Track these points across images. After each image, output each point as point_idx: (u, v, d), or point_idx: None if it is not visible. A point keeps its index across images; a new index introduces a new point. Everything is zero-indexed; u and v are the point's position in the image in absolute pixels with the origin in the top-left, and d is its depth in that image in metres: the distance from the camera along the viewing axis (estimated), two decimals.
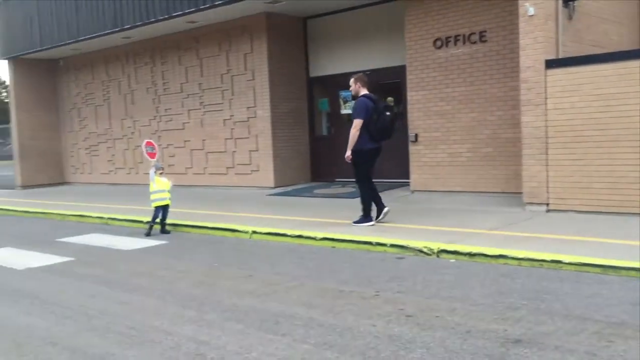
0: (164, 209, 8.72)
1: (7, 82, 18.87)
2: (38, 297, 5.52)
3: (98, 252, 7.71)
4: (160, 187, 8.74)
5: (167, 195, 8.78)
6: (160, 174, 8.86)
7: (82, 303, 5.24)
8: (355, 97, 8.08)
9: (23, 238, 9.13)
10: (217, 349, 3.95)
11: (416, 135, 10.65)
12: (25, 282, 6.19)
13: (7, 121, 19.81)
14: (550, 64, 8.05)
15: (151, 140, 9.82)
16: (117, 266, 6.74)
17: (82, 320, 4.73)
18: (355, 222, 8.01)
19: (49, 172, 18.37)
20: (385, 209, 8.12)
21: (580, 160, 7.86)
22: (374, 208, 8.07)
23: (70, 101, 18.17)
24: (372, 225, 7.88)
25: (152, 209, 8.71)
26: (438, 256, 6.31)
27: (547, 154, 8.13)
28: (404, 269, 5.90)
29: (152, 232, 8.63)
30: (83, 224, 10.47)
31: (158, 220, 8.69)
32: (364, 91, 7.94)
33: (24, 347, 4.17)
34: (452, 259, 6.18)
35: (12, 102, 18.03)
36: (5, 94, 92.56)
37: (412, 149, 10.76)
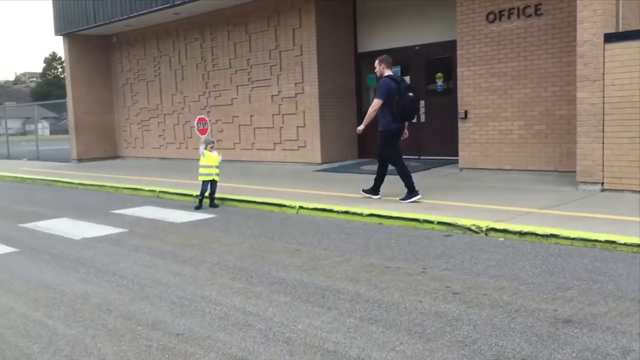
0: (211, 183, 8.88)
1: (63, 58, 19.37)
2: (94, 266, 5.73)
3: (150, 224, 7.93)
4: (208, 162, 8.89)
5: (215, 170, 8.91)
6: (211, 148, 8.99)
7: (136, 272, 5.42)
8: (379, 77, 8.24)
9: (79, 209, 9.47)
10: (264, 320, 4.03)
11: (466, 112, 10.46)
12: (82, 251, 6.43)
13: (63, 96, 20.44)
14: (610, 37, 7.74)
15: (203, 117, 9.98)
16: (169, 238, 6.93)
17: (136, 289, 4.90)
18: (401, 199, 8.04)
19: (103, 146, 18.92)
20: (377, 197, 8.35)
21: (638, 139, 7.58)
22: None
23: (123, 77, 18.58)
24: (419, 197, 7.97)
25: (200, 183, 8.89)
26: (486, 234, 6.23)
27: (603, 132, 7.86)
28: (451, 247, 5.85)
29: (203, 205, 8.81)
30: (136, 196, 10.77)
31: (207, 194, 8.86)
32: (388, 72, 8.11)
33: (81, 313, 4.36)
34: (501, 238, 6.08)
35: (67, 77, 18.56)
36: (61, 69, 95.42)
37: (462, 125, 10.58)
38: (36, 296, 4.83)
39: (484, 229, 6.28)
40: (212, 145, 9.06)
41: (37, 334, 3.97)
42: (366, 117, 8.18)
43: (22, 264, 5.97)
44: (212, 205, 8.89)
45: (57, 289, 5.00)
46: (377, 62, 8.20)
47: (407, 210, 7.33)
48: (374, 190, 8.45)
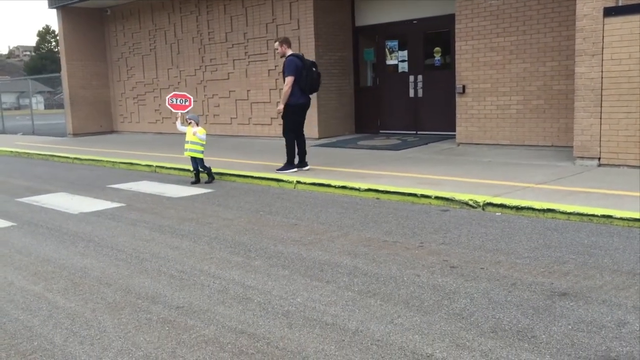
0: (194, 159, 8.77)
1: (57, 32, 19.16)
2: (92, 240, 5.74)
3: (148, 198, 7.93)
4: (189, 138, 8.76)
5: (196, 147, 8.71)
6: (189, 124, 8.84)
7: (134, 247, 5.44)
8: (283, 56, 8.76)
9: (76, 184, 9.45)
10: (263, 293, 4.06)
11: (464, 87, 10.42)
12: (80, 225, 6.44)
13: (57, 70, 20.26)
14: (609, 11, 7.68)
15: (184, 94, 9.61)
16: (167, 212, 6.94)
17: (135, 263, 4.92)
18: (278, 170, 8.75)
19: (99, 121, 18.82)
20: (306, 168, 8.88)
21: (636, 114, 7.58)
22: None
23: (118, 50, 18.40)
24: (295, 171, 8.66)
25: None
26: (484, 209, 6.26)
27: (601, 107, 7.85)
28: (448, 222, 5.88)
29: (201, 180, 8.80)
30: (132, 171, 10.75)
31: (201, 169, 8.82)
32: (290, 51, 8.69)
33: (80, 287, 4.38)
34: (498, 212, 6.11)
35: (62, 51, 18.37)
36: (54, 43, 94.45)
37: (459, 100, 10.55)
38: (35, 270, 4.85)
39: (481, 203, 6.30)
40: (190, 122, 8.83)
41: (37, 307, 3.99)
42: (282, 95, 8.60)
43: (21, 238, 5.98)
44: (197, 180, 8.82)
45: (56, 263, 5.02)
46: (277, 43, 8.71)
47: (403, 184, 7.35)
48: (301, 162, 8.89)
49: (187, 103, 9.42)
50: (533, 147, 9.72)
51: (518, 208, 6.01)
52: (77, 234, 6.03)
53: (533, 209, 5.92)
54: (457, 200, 6.50)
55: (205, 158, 8.93)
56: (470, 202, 6.38)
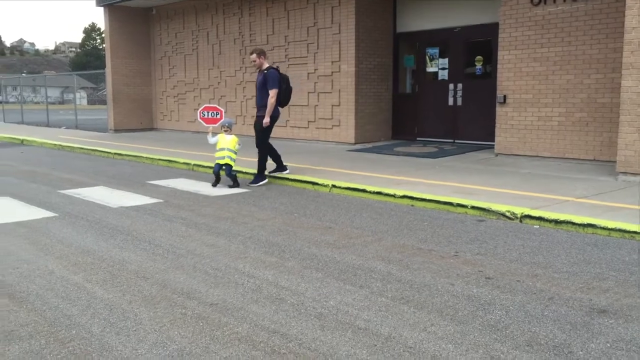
0: (225, 166, 8.65)
1: (103, 29, 19.61)
2: (131, 234, 5.86)
3: (185, 196, 8.05)
4: (224, 145, 8.67)
5: (227, 153, 8.60)
6: (225, 131, 8.78)
7: (171, 242, 5.53)
8: (259, 69, 8.78)
9: (116, 179, 9.65)
10: (296, 294, 4.08)
11: (505, 97, 10.29)
12: (119, 219, 6.57)
13: (101, 67, 20.73)
14: None
15: (211, 105, 9.51)
16: (203, 210, 7.03)
17: (171, 258, 5.00)
18: (251, 183, 8.73)
19: (139, 118, 19.18)
20: (287, 172, 9.02)
21: None
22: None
23: (162, 49, 18.74)
24: (266, 182, 8.80)
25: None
26: (521, 221, 6.16)
27: None
28: (484, 232, 5.81)
29: (238, 181, 8.81)
30: (171, 168, 10.93)
31: (223, 172, 8.68)
32: (267, 64, 8.77)
33: (118, 279, 4.47)
34: (536, 225, 6.01)
35: (107, 48, 18.79)
36: (99, 40, 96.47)
37: (500, 110, 10.42)
38: (75, 260, 4.97)
39: (518, 215, 6.21)
40: (226, 129, 8.80)
41: (76, 296, 4.09)
42: (268, 107, 8.57)
43: (62, 228, 6.14)
44: (234, 184, 8.67)
45: (95, 255, 5.13)
46: (255, 55, 8.69)
47: (439, 193, 7.29)
48: (280, 167, 9.01)
49: (218, 116, 9.33)
50: (574, 160, 9.53)
51: (557, 222, 5.90)
52: (116, 228, 6.16)
53: (572, 223, 5.80)
54: (494, 211, 6.42)
55: (241, 158, 9.02)
56: (508, 214, 6.29)
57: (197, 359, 3.11)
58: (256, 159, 8.92)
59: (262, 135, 8.78)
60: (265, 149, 8.82)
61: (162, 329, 3.50)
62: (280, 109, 8.90)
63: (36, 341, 3.36)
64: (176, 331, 3.47)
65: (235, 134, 8.97)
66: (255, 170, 8.97)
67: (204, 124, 9.42)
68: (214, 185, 8.66)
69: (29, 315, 3.75)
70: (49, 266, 4.81)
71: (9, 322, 3.64)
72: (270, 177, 8.95)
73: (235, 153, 8.75)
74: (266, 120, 8.60)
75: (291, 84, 8.96)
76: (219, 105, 16.56)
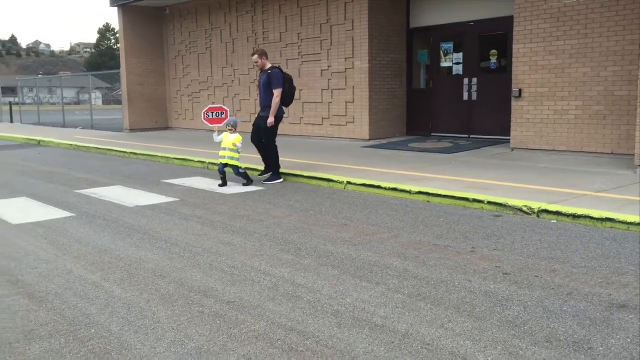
0: (232, 167, 8.61)
1: (117, 30, 19.76)
2: (147, 233, 5.89)
3: (200, 194, 8.08)
4: (225, 145, 8.63)
5: (233, 154, 8.58)
6: (230, 130, 8.73)
7: (187, 241, 5.55)
8: (262, 69, 8.84)
9: (132, 178, 9.72)
10: (313, 292, 4.08)
11: (520, 91, 10.20)
12: (135, 218, 6.62)
13: (116, 67, 20.87)
14: None
15: (220, 105, 9.46)
16: (219, 209, 7.05)
17: (188, 257, 5.02)
18: (266, 181, 8.76)
19: (154, 117, 19.29)
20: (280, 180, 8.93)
21: None
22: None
23: (175, 49, 18.82)
24: (282, 181, 8.80)
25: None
26: (538, 216, 6.11)
27: None
28: (501, 227, 5.76)
29: (252, 178, 8.82)
30: (186, 167, 10.98)
31: (231, 170, 8.65)
32: (268, 64, 8.80)
33: (136, 278, 4.50)
34: (553, 220, 5.96)
35: (121, 48, 18.91)
36: (114, 40, 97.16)
37: (515, 104, 10.33)
38: (93, 260, 5.02)
39: (536, 210, 6.15)
40: (230, 128, 8.75)
41: (94, 295, 4.13)
42: (273, 107, 8.61)
43: (79, 228, 6.19)
44: (223, 184, 8.61)
45: (112, 254, 5.17)
46: (257, 56, 8.72)
47: (454, 189, 7.25)
48: (277, 173, 8.86)
49: (223, 116, 9.24)
50: (591, 154, 9.43)
51: (575, 216, 5.84)
52: (133, 227, 6.20)
53: (591, 218, 5.74)
54: (510, 206, 6.37)
55: (257, 157, 9.03)
56: (525, 209, 6.24)
57: (215, 357, 3.13)
58: (257, 156, 8.99)
59: (269, 136, 8.80)
60: (275, 149, 8.83)
61: (180, 327, 3.52)
62: (285, 108, 8.92)
63: (56, 340, 3.39)
64: (194, 329, 3.49)
65: (241, 132, 8.96)
66: (262, 168, 9.10)
67: (209, 125, 9.34)
68: (221, 185, 8.56)
69: (49, 314, 3.79)
70: (68, 266, 4.86)
71: (29, 321, 3.68)
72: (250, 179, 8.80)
73: (237, 152, 8.66)
74: (271, 120, 8.62)
75: (294, 84, 8.98)
76: (232, 103, 16.63)
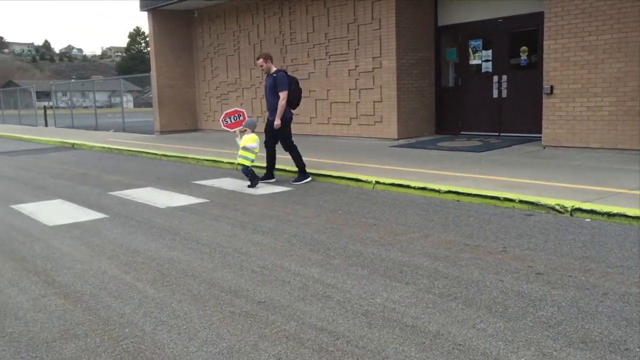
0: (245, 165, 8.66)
1: (147, 33, 20.02)
2: (179, 234, 5.97)
3: (230, 195, 8.15)
4: (242, 144, 8.68)
5: (247, 154, 8.59)
6: (245, 132, 8.76)
7: (217, 241, 5.61)
8: (267, 73, 8.89)
9: (163, 179, 9.85)
10: (342, 292, 4.08)
11: (551, 87, 10.03)
12: (167, 219, 6.71)
13: (146, 70, 21.16)
14: None
15: (236, 109, 9.41)
16: (248, 209, 7.10)
17: (218, 257, 5.07)
18: (295, 181, 8.80)
19: (184, 119, 19.52)
20: (273, 180, 9.00)
21: None
22: None
23: (204, 51, 19.01)
24: (310, 180, 8.84)
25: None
26: (572, 215, 6.00)
27: None
28: (533, 227, 5.68)
29: (277, 178, 8.87)
30: (215, 168, 11.09)
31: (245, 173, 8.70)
32: (274, 68, 8.91)
33: (168, 278, 4.56)
34: (587, 219, 5.85)
35: (151, 52, 19.19)
36: (144, 44, 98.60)
37: (547, 101, 10.17)
38: (126, 260, 5.10)
39: (569, 209, 6.05)
40: (245, 129, 8.78)
41: (128, 295, 4.20)
42: (279, 110, 8.64)
43: (113, 229, 6.30)
44: (251, 184, 8.65)
45: (145, 254, 5.26)
46: (262, 60, 8.81)
47: (485, 188, 7.17)
48: (303, 173, 8.88)
49: (240, 118, 9.22)
50: (626, 151, 9.22)
51: (610, 215, 5.72)
52: (164, 227, 6.29)
53: (626, 216, 5.61)
54: (542, 205, 6.27)
55: (285, 157, 9.05)
56: (557, 207, 6.14)
57: (246, 357, 3.15)
58: (285, 156, 9.05)
59: (284, 138, 8.84)
60: (294, 150, 8.84)
61: (212, 327, 3.56)
62: (292, 111, 8.94)
63: (91, 339, 3.46)
64: (225, 329, 3.52)
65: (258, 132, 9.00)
66: (290, 168, 9.17)
67: (230, 130, 9.33)
68: (250, 186, 8.58)
69: (84, 314, 3.87)
70: (102, 266, 4.95)
71: (65, 321, 3.76)
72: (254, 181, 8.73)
73: (250, 151, 8.62)
74: (277, 122, 8.67)
75: (300, 86, 9.02)
76: (260, 105, 16.71)
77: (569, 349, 3.08)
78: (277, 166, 9.22)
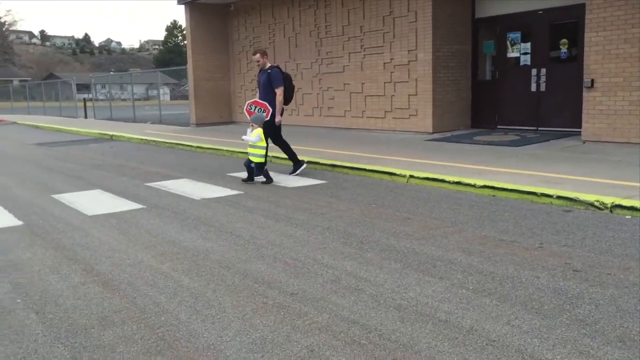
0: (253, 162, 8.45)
1: (184, 27, 20.24)
2: (213, 225, 6.04)
3: (264, 187, 8.21)
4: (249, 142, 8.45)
5: (254, 150, 8.37)
6: (252, 126, 8.52)
7: (251, 233, 5.66)
8: (262, 68, 8.92)
9: (198, 171, 9.98)
10: (375, 285, 4.07)
11: (592, 81, 9.80)
12: (201, 210, 6.79)
13: (183, 63, 21.42)
14: None
15: (262, 102, 8.87)
16: (281, 201, 7.14)
17: (252, 249, 5.12)
18: (292, 173, 8.92)
19: (220, 112, 19.70)
20: (305, 165, 9.15)
21: None
22: None
23: (240, 44, 19.13)
24: (305, 167, 9.08)
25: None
26: (611, 211, 5.86)
27: None
28: (571, 223, 5.57)
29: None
30: None
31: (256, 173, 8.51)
32: (268, 63, 8.96)
33: (202, 268, 4.63)
34: (627, 216, 5.70)
35: (188, 44, 19.39)
36: (181, 37, 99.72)
37: (587, 95, 9.93)
38: (162, 250, 5.19)
39: (608, 205, 5.91)
40: (252, 124, 8.54)
41: (164, 285, 4.27)
42: (278, 106, 8.73)
43: (149, 219, 6.42)
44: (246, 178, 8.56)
45: (180, 245, 5.34)
46: (259, 55, 8.81)
47: (521, 182, 7.05)
48: (297, 163, 9.05)
49: (263, 112, 8.72)
50: None
51: None
52: (199, 218, 6.37)
53: None
54: (581, 201, 6.14)
55: (319, 150, 9.06)
56: (597, 203, 6.00)
57: (279, 348, 3.18)
58: (342, 151, 9.13)
59: (275, 131, 8.90)
60: (283, 142, 8.99)
61: (245, 317, 3.60)
62: (284, 107, 9.02)
63: (128, 327, 3.54)
64: (258, 320, 3.56)
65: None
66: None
67: (248, 116, 8.87)
68: (267, 182, 8.42)
69: (121, 301, 3.95)
70: (138, 255, 5.05)
71: (103, 308, 3.85)
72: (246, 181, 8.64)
73: (256, 147, 8.36)
74: (278, 119, 8.76)
75: (293, 82, 9.15)
76: (294, 97, 16.74)
77: (607, 347, 3.02)
78: (280, 156, 9.21)
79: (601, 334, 3.17)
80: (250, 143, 8.42)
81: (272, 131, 8.91)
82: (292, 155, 9.11)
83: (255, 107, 8.85)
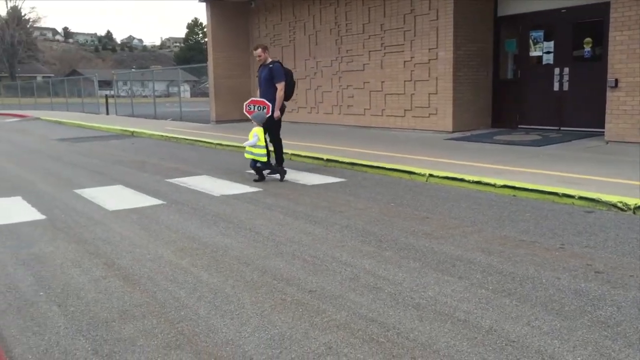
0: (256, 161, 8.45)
1: (205, 24, 20.36)
2: (232, 222, 6.08)
3: (283, 184, 8.23)
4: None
5: (253, 149, 8.39)
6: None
7: (270, 230, 5.68)
8: (263, 63, 8.85)
9: (217, 168, 10.04)
10: (394, 284, 4.07)
11: (616, 81, 9.66)
12: (221, 207, 6.83)
13: (203, 61, 21.53)
14: None
15: (259, 100, 8.82)
16: (300, 199, 7.16)
17: (271, 246, 5.14)
18: (270, 173, 8.69)
19: (240, 109, 19.47)
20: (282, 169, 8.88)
21: None
22: None
23: (260, 42, 19.16)
24: (285, 176, 8.62)
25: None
26: (634, 213, 5.78)
27: None
28: (593, 224, 5.50)
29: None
30: None
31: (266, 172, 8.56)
32: (269, 59, 8.88)
33: (221, 264, 4.66)
34: None
35: (209, 42, 19.50)
36: (201, 35, 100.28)
37: (611, 95, 9.79)
38: (182, 245, 5.23)
39: (631, 206, 5.82)
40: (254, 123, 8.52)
41: (183, 280, 4.31)
42: (278, 101, 8.63)
43: (169, 215, 6.47)
44: (275, 172, 8.59)
45: (200, 241, 5.38)
46: (260, 50, 8.76)
47: (542, 182, 6.98)
48: (280, 165, 8.88)
49: (264, 110, 8.66)
50: None
51: None
52: (219, 215, 6.41)
53: None
54: (604, 202, 6.06)
55: (338, 148, 9.06)
56: (619, 205, 5.92)
57: (297, 344, 3.19)
58: (361, 149, 9.06)
59: (276, 129, 8.89)
60: (279, 141, 8.97)
61: (264, 314, 3.61)
62: (285, 103, 8.91)
63: (148, 321, 3.58)
64: (277, 316, 3.57)
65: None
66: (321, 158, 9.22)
67: (248, 116, 8.93)
68: (281, 179, 8.48)
69: (142, 296, 4.00)
70: (158, 251, 5.09)
71: (123, 302, 3.90)
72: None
73: (255, 146, 8.39)
74: (277, 114, 8.69)
75: (294, 78, 9.11)
76: (314, 95, 16.75)
77: (629, 350, 2.98)
78: (317, 155, 9.17)
79: (623, 337, 3.13)
80: (249, 147, 8.45)
81: (275, 126, 8.89)
82: (280, 156, 8.99)
83: (254, 105, 8.86)
